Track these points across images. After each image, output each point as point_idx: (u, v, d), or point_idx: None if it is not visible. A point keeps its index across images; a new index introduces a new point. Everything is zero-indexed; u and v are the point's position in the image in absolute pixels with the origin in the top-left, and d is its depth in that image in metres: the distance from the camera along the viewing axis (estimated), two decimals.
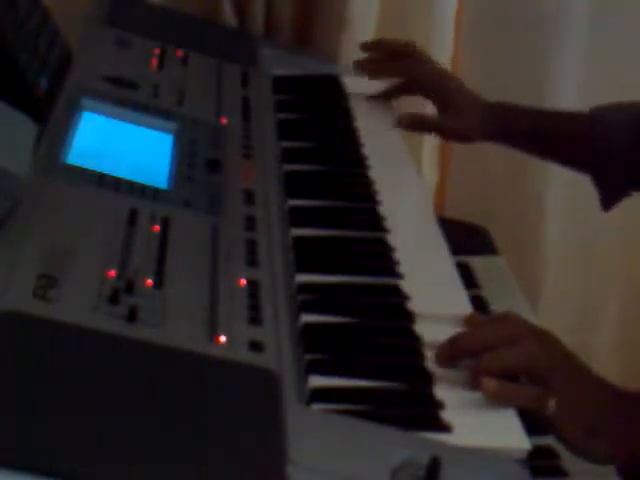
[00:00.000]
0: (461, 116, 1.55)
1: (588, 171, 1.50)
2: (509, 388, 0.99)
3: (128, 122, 1.29)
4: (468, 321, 1.08)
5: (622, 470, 1.04)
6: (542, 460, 1.04)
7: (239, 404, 0.87)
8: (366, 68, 1.63)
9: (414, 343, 1.04)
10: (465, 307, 1.14)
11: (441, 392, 0.98)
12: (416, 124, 1.59)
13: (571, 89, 2.00)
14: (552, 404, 0.99)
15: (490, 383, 0.97)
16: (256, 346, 0.94)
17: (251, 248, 1.10)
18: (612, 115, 1.46)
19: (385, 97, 1.63)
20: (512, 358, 1.01)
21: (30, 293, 0.90)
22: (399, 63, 1.62)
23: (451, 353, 1.02)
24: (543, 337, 1.05)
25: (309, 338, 1.01)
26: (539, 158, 1.60)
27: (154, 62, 1.46)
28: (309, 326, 1.03)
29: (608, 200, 1.48)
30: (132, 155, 1.22)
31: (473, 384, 0.98)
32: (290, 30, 1.82)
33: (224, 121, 1.37)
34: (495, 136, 1.56)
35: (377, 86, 1.67)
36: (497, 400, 0.97)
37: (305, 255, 1.15)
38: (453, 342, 1.02)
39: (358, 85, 1.63)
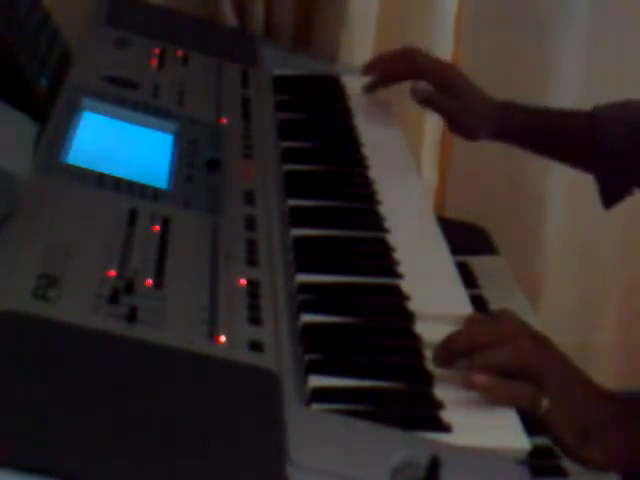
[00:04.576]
0: (468, 112, 1.53)
1: (591, 170, 1.50)
2: (500, 384, 0.98)
3: (128, 122, 1.29)
4: (467, 322, 1.08)
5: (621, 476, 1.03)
6: (542, 460, 1.04)
7: (239, 404, 0.87)
8: (375, 86, 1.61)
9: (414, 343, 1.04)
10: (465, 307, 1.14)
11: (441, 392, 0.98)
12: (427, 101, 1.55)
13: (571, 88, 2.00)
14: (545, 403, 0.98)
15: (480, 378, 0.97)
16: (256, 346, 0.94)
17: (251, 248, 1.10)
18: (615, 114, 1.46)
19: (380, 85, 1.61)
20: (505, 356, 1.00)
21: (30, 293, 0.90)
22: (402, 64, 1.59)
23: (446, 352, 1.01)
24: (538, 337, 1.04)
25: (309, 338, 1.01)
26: (542, 156, 1.60)
27: (154, 62, 1.46)
28: (309, 326, 1.03)
29: (610, 198, 1.48)
30: (132, 155, 1.22)
31: (465, 382, 0.98)
32: (290, 30, 1.82)
33: (224, 121, 1.37)
34: (498, 135, 1.55)
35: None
36: (488, 397, 0.97)
37: (305, 255, 1.15)
38: (447, 341, 1.02)
39: (358, 85, 1.63)
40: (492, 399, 0.97)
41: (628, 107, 1.46)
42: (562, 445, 1.01)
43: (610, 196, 1.48)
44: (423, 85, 1.55)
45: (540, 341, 1.04)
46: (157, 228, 1.07)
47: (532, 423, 0.98)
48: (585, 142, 1.47)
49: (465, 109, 1.53)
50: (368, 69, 1.61)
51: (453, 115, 1.56)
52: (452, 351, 1.01)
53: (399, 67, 1.58)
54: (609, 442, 1.00)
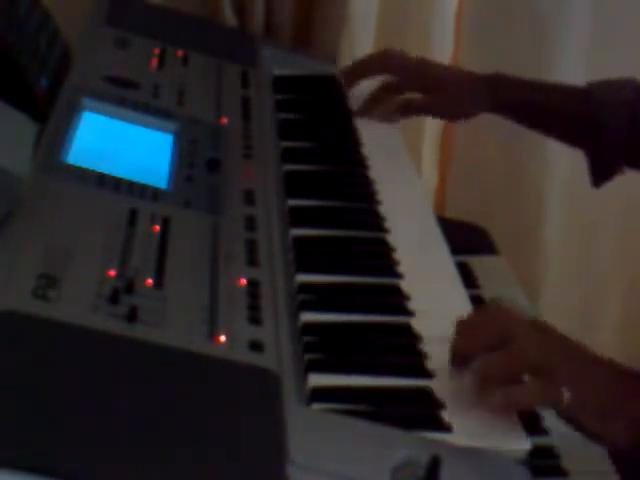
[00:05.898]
0: (447, 93, 1.53)
1: (582, 146, 1.50)
2: (515, 393, 0.96)
3: (128, 122, 1.29)
4: (457, 327, 1.02)
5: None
6: (542, 460, 1.04)
7: (239, 404, 0.87)
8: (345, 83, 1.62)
9: (414, 343, 1.04)
10: (465, 307, 1.14)
11: (441, 392, 0.98)
12: (403, 109, 1.58)
13: None
14: (567, 394, 0.96)
15: (495, 400, 0.95)
16: (256, 346, 0.94)
17: (251, 248, 1.10)
18: (609, 91, 1.46)
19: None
20: (511, 360, 0.98)
21: (30, 293, 0.90)
22: (373, 62, 1.60)
23: (457, 362, 1.00)
24: (536, 327, 1.02)
25: (309, 338, 1.01)
26: (533, 130, 1.59)
27: (154, 62, 1.46)
28: (309, 326, 1.03)
29: (600, 176, 1.48)
30: (132, 155, 1.22)
31: (484, 407, 0.96)
32: (290, 30, 1.82)
33: (224, 121, 1.37)
34: (490, 107, 1.54)
35: (375, 84, 1.67)
36: (509, 409, 0.96)
37: (305, 255, 1.15)
38: (452, 352, 1.00)
39: (358, 85, 1.63)
40: (514, 409, 0.96)
41: (623, 84, 1.46)
42: (584, 429, 0.99)
43: (600, 175, 1.48)
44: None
45: (539, 331, 1.01)
46: (157, 228, 1.07)
47: (532, 423, 0.98)
48: (578, 117, 1.47)
49: (448, 97, 1.54)
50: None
51: (438, 111, 1.57)
52: (460, 360, 1.00)
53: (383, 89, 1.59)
54: (630, 417, 0.98)
